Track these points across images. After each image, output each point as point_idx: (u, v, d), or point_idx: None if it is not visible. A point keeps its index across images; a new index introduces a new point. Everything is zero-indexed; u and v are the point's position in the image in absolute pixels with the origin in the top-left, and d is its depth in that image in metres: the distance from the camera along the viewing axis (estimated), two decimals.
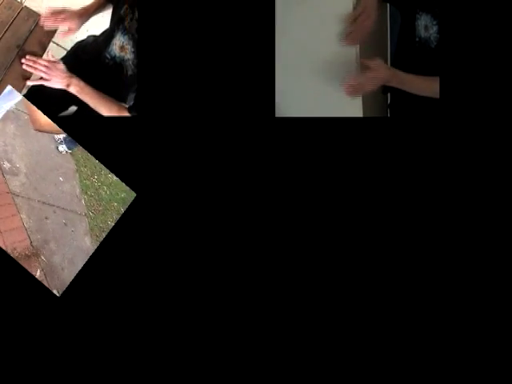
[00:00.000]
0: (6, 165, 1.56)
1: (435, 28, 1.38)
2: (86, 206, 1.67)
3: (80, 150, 1.46)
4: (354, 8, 1.35)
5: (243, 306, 1.37)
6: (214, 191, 1.38)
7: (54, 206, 1.60)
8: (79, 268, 1.41)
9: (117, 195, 1.56)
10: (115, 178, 1.39)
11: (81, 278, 1.39)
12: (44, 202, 1.60)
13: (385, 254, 1.38)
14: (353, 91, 1.35)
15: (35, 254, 1.49)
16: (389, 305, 1.38)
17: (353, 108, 1.37)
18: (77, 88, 1.38)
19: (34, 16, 1.48)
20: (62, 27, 1.48)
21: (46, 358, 1.36)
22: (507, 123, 1.37)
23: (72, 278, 1.40)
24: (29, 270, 1.42)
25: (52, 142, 1.65)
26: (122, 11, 1.47)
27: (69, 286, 1.39)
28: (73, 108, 1.47)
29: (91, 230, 1.61)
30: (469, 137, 1.37)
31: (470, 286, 1.36)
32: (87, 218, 1.64)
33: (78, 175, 1.69)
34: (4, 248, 1.43)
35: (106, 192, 1.64)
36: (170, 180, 1.38)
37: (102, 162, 1.38)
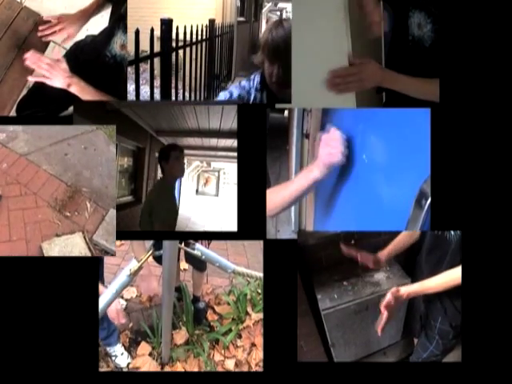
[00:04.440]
0: (1, 136, 1.54)
1: (429, 26, 1.33)
2: None
3: None
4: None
5: None
6: None
7: (64, 139, 1.56)
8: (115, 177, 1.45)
9: None
10: None
11: None
12: (54, 143, 1.57)
13: None
14: (334, 87, 1.32)
15: (75, 190, 1.50)
16: None
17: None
18: (77, 88, 1.38)
19: (34, 16, 1.49)
20: (61, 36, 1.50)
21: None
22: (504, 124, 1.37)
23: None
24: (79, 209, 1.44)
25: None
26: (122, 10, 1.46)
27: None
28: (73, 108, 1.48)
29: (109, 136, 1.54)
30: (463, 137, 1.37)
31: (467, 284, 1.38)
32: (100, 129, 1.56)
33: None
34: (47, 204, 1.44)
35: None
36: None
37: None
